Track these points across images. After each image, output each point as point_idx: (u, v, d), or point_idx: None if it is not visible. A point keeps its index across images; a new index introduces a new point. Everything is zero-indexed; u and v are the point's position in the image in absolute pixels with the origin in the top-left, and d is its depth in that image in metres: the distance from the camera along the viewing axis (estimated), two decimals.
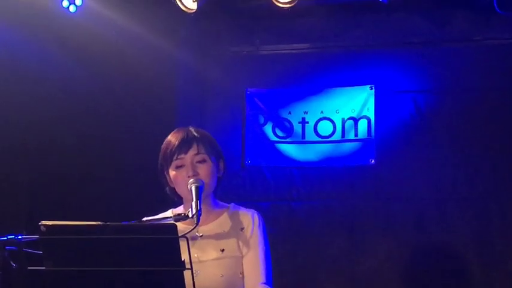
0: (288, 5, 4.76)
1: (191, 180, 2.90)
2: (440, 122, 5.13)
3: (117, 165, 5.06)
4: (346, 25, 5.26)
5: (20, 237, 2.82)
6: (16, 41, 4.73)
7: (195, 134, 2.99)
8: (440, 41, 5.15)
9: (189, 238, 2.75)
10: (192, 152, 2.95)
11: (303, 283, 5.17)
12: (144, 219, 3.01)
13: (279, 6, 4.79)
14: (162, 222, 2.83)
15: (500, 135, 5.02)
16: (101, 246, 2.41)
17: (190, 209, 2.80)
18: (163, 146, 3.01)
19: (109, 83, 5.04)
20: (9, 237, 2.81)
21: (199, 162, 2.95)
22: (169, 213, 3.07)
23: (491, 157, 5.01)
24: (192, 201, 2.82)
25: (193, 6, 4.82)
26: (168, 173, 3.00)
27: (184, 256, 2.38)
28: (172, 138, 2.99)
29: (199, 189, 2.87)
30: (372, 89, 5.24)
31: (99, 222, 2.43)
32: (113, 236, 2.40)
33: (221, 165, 3.06)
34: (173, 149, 2.94)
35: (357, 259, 5.15)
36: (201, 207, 2.80)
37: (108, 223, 2.43)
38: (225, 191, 4.89)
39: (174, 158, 2.94)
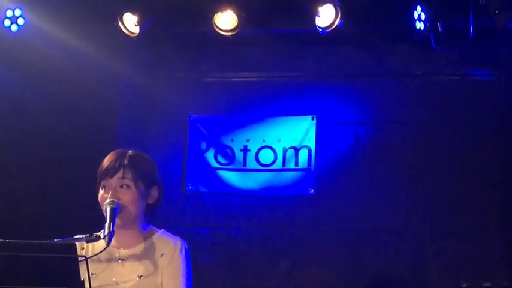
0: (230, 33, 4.80)
1: (107, 201, 2.92)
2: (378, 154, 5.17)
3: (55, 180, 5.06)
4: (289, 55, 5.31)
5: None
6: None
7: (127, 159, 3.00)
8: (380, 74, 5.22)
9: (108, 261, 2.88)
10: (117, 176, 2.97)
11: None
12: (76, 237, 2.99)
13: (221, 34, 4.83)
14: (68, 240, 2.80)
15: (436, 168, 5.07)
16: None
17: (103, 230, 2.81)
18: (100, 165, 3.04)
19: (52, 99, 5.07)
20: None
21: (123, 187, 2.96)
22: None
23: (426, 190, 5.06)
24: (106, 222, 2.83)
25: (136, 30, 4.83)
26: (97, 191, 3.03)
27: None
28: (106, 159, 3.03)
29: (113, 211, 2.89)
30: (313, 119, 5.28)
31: None
32: (11, 254, 2.38)
33: (153, 192, 3.05)
34: (103, 170, 2.99)
35: None
36: (114, 229, 2.82)
37: (7, 240, 2.41)
38: (166, 216, 4.96)
39: (102, 178, 2.98)
